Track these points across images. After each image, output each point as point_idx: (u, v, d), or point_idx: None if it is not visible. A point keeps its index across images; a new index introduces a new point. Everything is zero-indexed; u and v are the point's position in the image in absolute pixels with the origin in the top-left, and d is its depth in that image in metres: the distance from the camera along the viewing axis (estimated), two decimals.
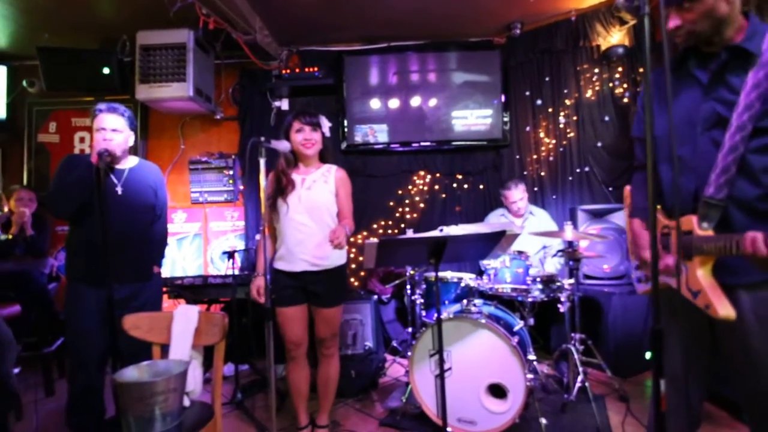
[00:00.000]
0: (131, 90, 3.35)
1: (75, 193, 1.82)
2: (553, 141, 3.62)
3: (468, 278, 2.60)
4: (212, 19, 2.99)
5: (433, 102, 3.68)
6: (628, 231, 1.45)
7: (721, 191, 1.11)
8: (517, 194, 3.11)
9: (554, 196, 3.61)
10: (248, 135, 3.70)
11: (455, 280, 2.63)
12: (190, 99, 3.29)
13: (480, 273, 2.82)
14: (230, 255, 2.79)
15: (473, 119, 3.67)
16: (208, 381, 1.74)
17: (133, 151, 2.09)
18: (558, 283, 2.46)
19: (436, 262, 1.63)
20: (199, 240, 3.86)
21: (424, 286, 2.65)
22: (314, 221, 1.95)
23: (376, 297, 3.22)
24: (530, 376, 2.02)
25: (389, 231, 3.78)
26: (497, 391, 2.06)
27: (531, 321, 2.49)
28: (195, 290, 2.70)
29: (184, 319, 1.63)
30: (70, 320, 1.87)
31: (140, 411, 1.28)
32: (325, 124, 2.05)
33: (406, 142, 3.71)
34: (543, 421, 2.04)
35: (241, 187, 3.83)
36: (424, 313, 2.63)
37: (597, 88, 3.52)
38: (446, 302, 2.63)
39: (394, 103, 3.70)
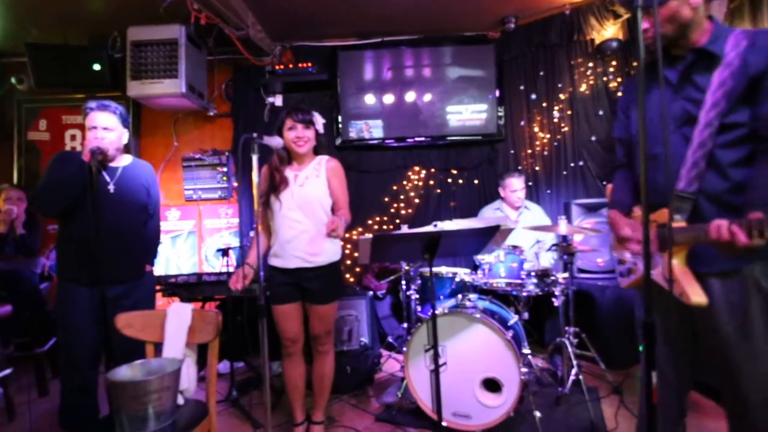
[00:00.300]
0: (123, 87, 3.31)
1: (65, 190, 1.79)
2: (548, 135, 3.62)
3: (463, 273, 2.60)
4: (204, 14, 2.95)
5: (427, 97, 3.67)
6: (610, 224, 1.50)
7: (691, 185, 1.18)
8: (519, 183, 3.13)
9: (548, 191, 3.61)
10: (242, 131, 3.67)
11: (450, 275, 2.63)
12: (183, 95, 3.26)
13: (475, 268, 2.83)
14: (225, 252, 2.78)
15: (468, 114, 3.66)
16: (203, 379, 1.74)
17: (126, 149, 2.07)
18: (552, 277, 2.47)
19: (431, 258, 1.63)
20: (194, 238, 3.84)
21: (419, 282, 2.66)
22: (307, 217, 1.95)
23: (371, 293, 3.22)
24: (525, 369, 2.04)
25: (384, 227, 3.78)
26: (492, 385, 2.08)
27: (525, 315, 2.50)
28: (189, 288, 2.69)
29: (178, 318, 1.63)
30: (62, 320, 1.86)
31: (134, 410, 1.27)
32: (319, 121, 2.04)
33: (401, 138, 3.70)
34: (537, 414, 2.06)
35: (235, 184, 3.81)
36: (419, 308, 2.64)
37: (591, 82, 3.52)
38: (441, 297, 2.64)
39: (388, 98, 3.69)
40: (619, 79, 3.46)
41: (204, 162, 3.80)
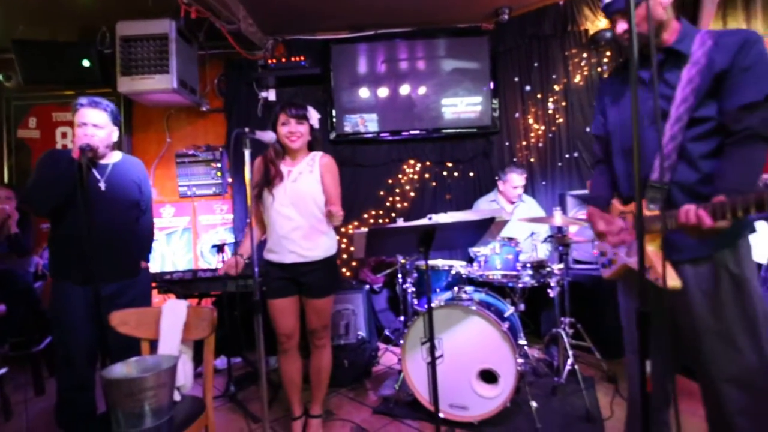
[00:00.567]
0: (113, 83, 3.27)
1: (55, 188, 1.78)
2: (543, 127, 3.62)
3: (459, 266, 2.61)
4: (194, 8, 2.90)
5: (422, 90, 3.65)
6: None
7: (664, 176, 1.26)
8: (521, 180, 3.12)
9: (544, 182, 3.62)
10: (235, 127, 3.64)
11: (446, 268, 2.64)
12: (174, 91, 3.22)
13: (470, 260, 2.84)
14: (220, 248, 2.77)
15: (463, 107, 3.65)
16: (200, 375, 1.74)
17: (117, 145, 2.05)
18: (548, 269, 2.48)
19: (426, 251, 1.63)
20: (189, 234, 3.82)
21: (415, 275, 2.66)
22: (300, 214, 1.94)
23: (368, 286, 3.23)
24: (521, 360, 2.05)
25: (380, 220, 3.78)
26: (488, 376, 2.09)
27: (521, 306, 2.51)
28: (185, 285, 2.68)
29: (173, 314, 1.62)
30: (56, 318, 1.85)
31: (130, 407, 1.27)
32: (313, 116, 2.02)
33: (396, 131, 3.69)
34: (533, 404, 2.08)
35: (230, 180, 3.79)
36: (415, 301, 2.65)
37: (585, 73, 3.52)
38: (437, 290, 2.64)
39: (383, 91, 3.67)
40: None
41: (198, 158, 3.77)
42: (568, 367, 2.41)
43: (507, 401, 2.02)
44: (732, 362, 1.20)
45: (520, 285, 2.47)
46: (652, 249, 1.24)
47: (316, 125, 2.05)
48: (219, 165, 3.78)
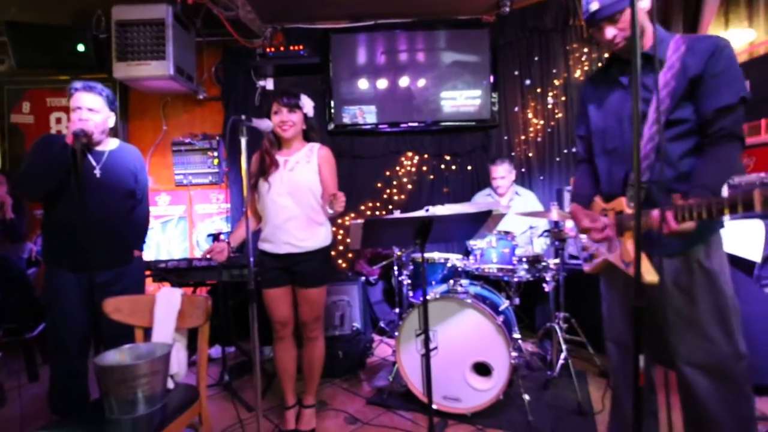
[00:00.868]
0: (109, 68, 3.22)
1: (48, 173, 1.75)
2: (542, 121, 3.61)
3: (455, 259, 2.61)
4: None
5: (421, 82, 3.62)
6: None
7: (643, 175, 1.30)
8: (500, 171, 3.09)
9: (542, 177, 3.61)
10: (232, 115, 3.60)
11: (442, 260, 2.64)
12: (171, 78, 3.18)
13: (467, 253, 2.84)
14: (216, 237, 2.74)
15: (462, 100, 3.63)
16: (195, 364, 1.74)
17: (113, 132, 2.02)
18: (543, 263, 2.49)
19: (422, 243, 1.63)
20: (184, 223, 3.80)
21: (411, 267, 2.66)
22: (296, 203, 1.93)
23: (363, 278, 3.23)
24: (514, 354, 2.06)
25: (377, 212, 3.77)
26: (482, 369, 2.10)
27: (516, 300, 2.52)
28: (180, 273, 2.67)
29: (167, 302, 1.61)
30: (50, 305, 1.83)
31: (123, 394, 1.27)
32: (307, 104, 2.00)
33: (395, 123, 3.66)
34: (526, 397, 2.09)
35: (226, 169, 3.76)
36: (411, 293, 2.65)
37: (586, 67, 3.50)
38: (433, 283, 2.65)
39: (382, 83, 3.64)
40: None
41: (194, 146, 3.74)
42: (561, 361, 2.43)
43: (500, 394, 2.04)
44: (702, 350, 1.27)
45: (516, 279, 2.48)
46: (632, 246, 1.25)
47: (311, 113, 2.03)
48: (216, 154, 3.75)
